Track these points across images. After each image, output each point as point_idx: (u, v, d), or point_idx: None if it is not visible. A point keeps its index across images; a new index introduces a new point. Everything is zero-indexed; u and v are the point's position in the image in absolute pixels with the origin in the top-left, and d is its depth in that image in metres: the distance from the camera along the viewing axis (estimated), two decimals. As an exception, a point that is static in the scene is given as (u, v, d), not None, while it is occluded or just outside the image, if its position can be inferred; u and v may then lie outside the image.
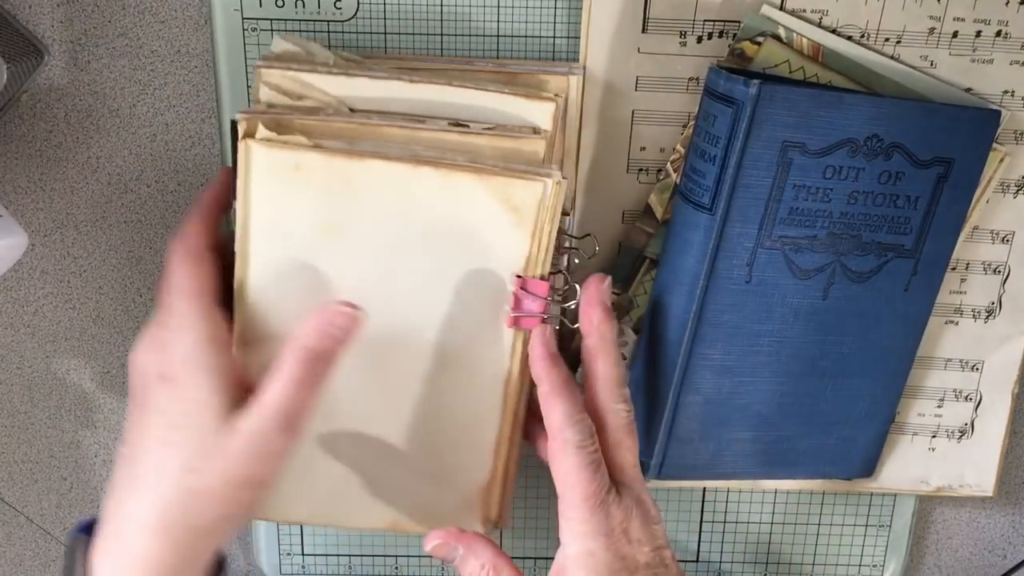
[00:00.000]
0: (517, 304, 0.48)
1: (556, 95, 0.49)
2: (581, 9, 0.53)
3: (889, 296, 0.56)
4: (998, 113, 0.54)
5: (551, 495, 0.48)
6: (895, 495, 0.65)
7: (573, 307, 0.51)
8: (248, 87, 0.55)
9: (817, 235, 0.53)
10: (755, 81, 0.48)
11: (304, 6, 0.54)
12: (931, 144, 0.52)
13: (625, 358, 0.56)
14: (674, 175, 0.56)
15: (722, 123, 0.50)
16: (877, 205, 0.53)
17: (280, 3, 0.54)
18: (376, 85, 0.47)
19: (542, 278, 0.48)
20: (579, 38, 0.54)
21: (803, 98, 0.50)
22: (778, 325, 0.55)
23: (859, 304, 0.56)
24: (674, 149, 0.56)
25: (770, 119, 0.50)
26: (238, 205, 0.46)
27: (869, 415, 0.60)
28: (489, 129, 0.47)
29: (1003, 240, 0.58)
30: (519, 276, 0.47)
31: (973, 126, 0.53)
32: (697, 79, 0.54)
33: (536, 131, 0.48)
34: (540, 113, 0.48)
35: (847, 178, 0.52)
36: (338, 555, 0.66)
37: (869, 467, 0.62)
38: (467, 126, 0.46)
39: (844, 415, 0.59)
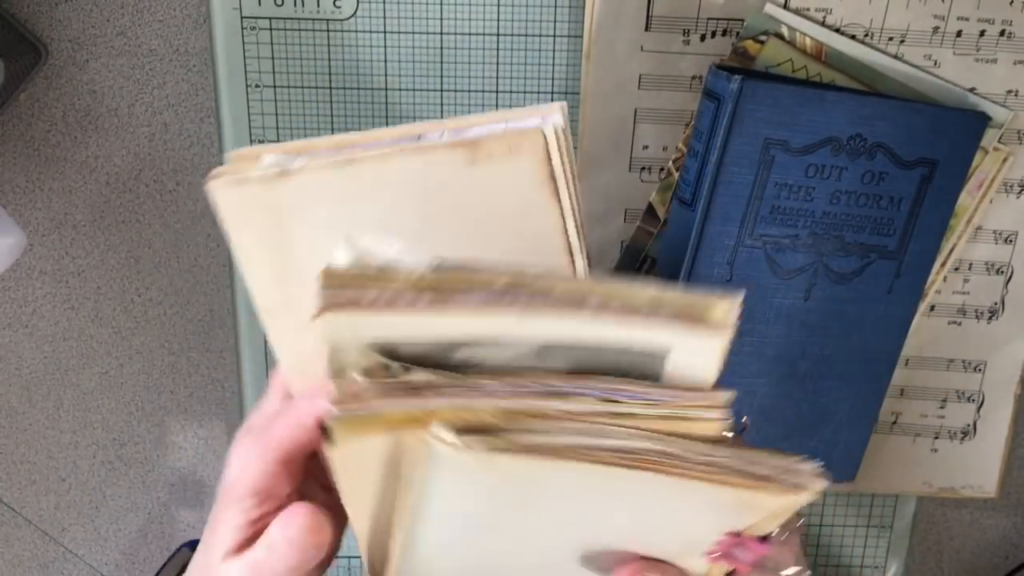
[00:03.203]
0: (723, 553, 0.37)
1: (723, 323, 0.31)
2: (584, 7, 0.53)
3: (872, 298, 0.55)
4: (984, 115, 0.53)
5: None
6: (896, 496, 0.65)
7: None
8: (247, 87, 0.55)
9: (799, 234, 0.53)
10: (737, 76, 0.48)
11: (303, 5, 0.54)
12: (916, 145, 0.52)
13: None
14: (676, 174, 0.55)
15: (706, 118, 0.50)
16: (860, 205, 0.53)
17: (279, 2, 0.54)
18: (474, 323, 0.31)
19: (762, 539, 0.36)
20: (582, 36, 0.54)
21: (785, 95, 0.49)
22: (759, 325, 0.55)
23: (841, 305, 0.55)
24: (676, 148, 0.55)
25: (751, 115, 0.49)
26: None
27: (851, 418, 0.59)
28: (652, 403, 0.32)
29: (1006, 240, 0.58)
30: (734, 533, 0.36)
31: (959, 128, 0.53)
32: (700, 77, 0.54)
33: (712, 405, 0.32)
34: (704, 352, 0.31)
35: (830, 177, 0.52)
36: (338, 556, 0.66)
37: (851, 471, 0.61)
38: (618, 401, 0.32)
39: (825, 418, 0.58)
